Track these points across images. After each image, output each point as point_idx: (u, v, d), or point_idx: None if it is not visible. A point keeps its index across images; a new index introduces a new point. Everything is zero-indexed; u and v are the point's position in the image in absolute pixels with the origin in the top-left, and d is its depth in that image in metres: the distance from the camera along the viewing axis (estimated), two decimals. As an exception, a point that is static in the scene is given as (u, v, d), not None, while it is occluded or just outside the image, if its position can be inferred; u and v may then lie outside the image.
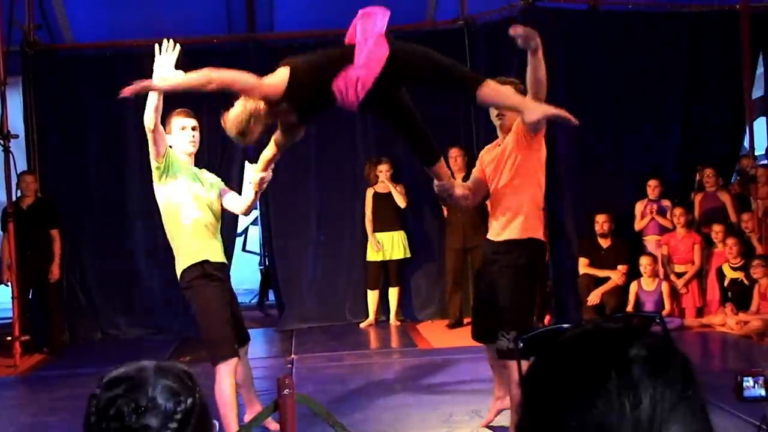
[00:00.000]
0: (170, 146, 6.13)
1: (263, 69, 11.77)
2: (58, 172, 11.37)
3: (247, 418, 6.34)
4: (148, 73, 11.46)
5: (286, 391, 4.67)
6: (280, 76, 5.56)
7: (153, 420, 1.58)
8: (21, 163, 10.52)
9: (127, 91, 5.27)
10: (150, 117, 5.81)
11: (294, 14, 12.07)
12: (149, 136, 5.90)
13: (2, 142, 9.91)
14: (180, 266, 6.10)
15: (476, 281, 6.75)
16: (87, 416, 1.63)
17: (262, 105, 5.48)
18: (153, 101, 5.83)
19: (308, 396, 5.28)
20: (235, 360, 6.06)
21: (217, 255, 6.17)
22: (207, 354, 6.23)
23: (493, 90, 5.54)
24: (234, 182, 11.51)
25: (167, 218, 6.15)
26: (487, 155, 6.40)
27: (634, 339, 1.27)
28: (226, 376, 6.00)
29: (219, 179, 6.55)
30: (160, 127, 5.94)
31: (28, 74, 11.23)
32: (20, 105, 11.12)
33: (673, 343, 1.33)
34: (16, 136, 10.18)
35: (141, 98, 11.33)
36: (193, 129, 6.27)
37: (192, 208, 6.11)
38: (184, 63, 11.75)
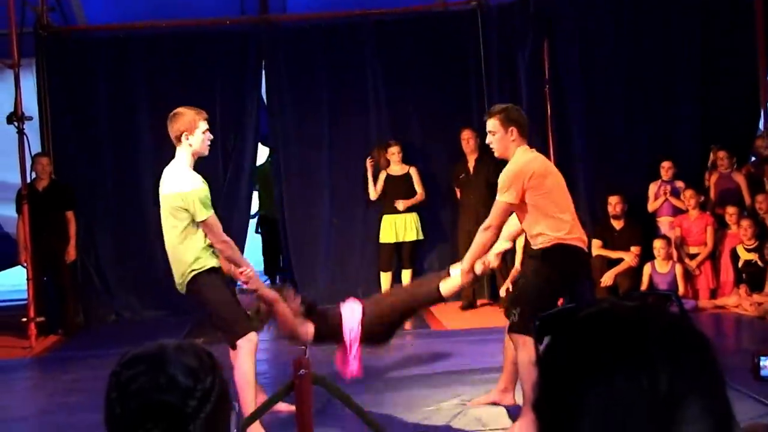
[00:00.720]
0: (190, 144, 6.11)
1: (276, 51, 11.89)
2: (71, 153, 11.41)
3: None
4: (159, 55, 11.54)
5: (302, 372, 4.67)
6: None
7: (172, 397, 1.59)
8: (35, 146, 10.53)
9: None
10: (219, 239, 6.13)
11: (306, -4, 12.05)
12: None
13: (17, 124, 9.92)
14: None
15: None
16: (107, 393, 1.64)
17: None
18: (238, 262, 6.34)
19: (324, 377, 5.28)
20: (253, 335, 6.12)
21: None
22: (225, 336, 6.26)
23: (448, 288, 6.62)
24: (245, 171, 11.55)
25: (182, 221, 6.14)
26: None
27: (650, 316, 1.27)
28: (246, 355, 6.05)
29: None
30: None
31: (41, 56, 11.24)
32: (33, 87, 11.13)
33: (689, 320, 1.33)
34: (30, 118, 10.18)
35: (152, 79, 11.42)
36: (209, 133, 6.25)
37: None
38: (196, 44, 11.84)
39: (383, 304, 6.87)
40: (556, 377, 1.26)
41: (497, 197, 6.11)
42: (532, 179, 6.00)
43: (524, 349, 6.01)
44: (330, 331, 6.61)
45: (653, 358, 1.22)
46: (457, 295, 11.29)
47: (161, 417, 1.59)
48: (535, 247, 6.21)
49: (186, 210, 6.01)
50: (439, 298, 6.76)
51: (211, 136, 6.25)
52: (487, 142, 6.39)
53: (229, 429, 1.67)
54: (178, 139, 6.13)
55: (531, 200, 6.03)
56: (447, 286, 6.53)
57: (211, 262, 6.14)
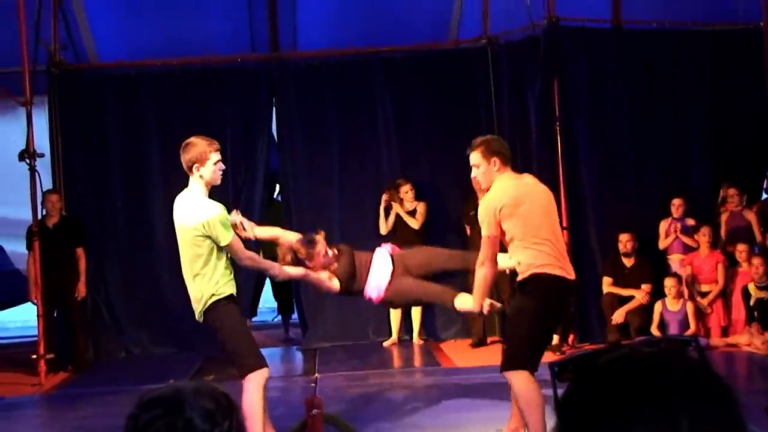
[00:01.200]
0: (201, 175, 6.14)
1: (287, 87, 11.92)
2: (82, 190, 11.45)
3: None
4: (171, 92, 11.57)
5: (314, 411, 4.66)
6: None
7: None
8: (46, 182, 10.57)
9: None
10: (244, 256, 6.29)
11: (317, 33, 12.11)
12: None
13: (28, 162, 9.96)
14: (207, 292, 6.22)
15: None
16: None
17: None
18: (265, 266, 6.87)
19: (337, 416, 5.25)
20: (265, 371, 6.13)
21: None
22: (236, 367, 6.28)
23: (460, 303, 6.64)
24: (256, 205, 11.55)
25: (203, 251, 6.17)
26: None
27: (671, 363, 1.27)
28: (255, 388, 6.05)
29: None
30: None
31: (53, 93, 11.31)
32: (45, 124, 11.18)
33: (711, 366, 1.32)
34: (42, 155, 10.22)
35: (163, 116, 11.47)
36: (221, 163, 6.28)
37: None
38: (207, 81, 11.89)
39: (405, 286, 6.89)
40: (576, 423, 1.25)
41: (482, 232, 6.13)
42: (504, 210, 6.00)
43: (516, 383, 6.01)
44: (354, 290, 6.95)
45: (674, 405, 1.21)
46: (467, 333, 11.32)
47: None
48: (517, 279, 6.23)
49: (208, 237, 6.06)
50: (451, 307, 6.79)
51: (223, 167, 6.27)
52: (472, 176, 6.39)
53: None
54: (190, 169, 6.16)
55: (509, 230, 6.04)
56: (461, 303, 6.53)
57: (229, 289, 6.19)
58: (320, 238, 6.90)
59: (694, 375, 1.26)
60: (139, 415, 1.64)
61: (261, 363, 6.19)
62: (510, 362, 6.05)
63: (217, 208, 6.11)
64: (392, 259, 6.91)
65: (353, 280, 6.91)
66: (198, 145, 6.17)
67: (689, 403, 1.22)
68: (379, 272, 6.83)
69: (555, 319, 6.69)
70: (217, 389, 1.72)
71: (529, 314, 6.08)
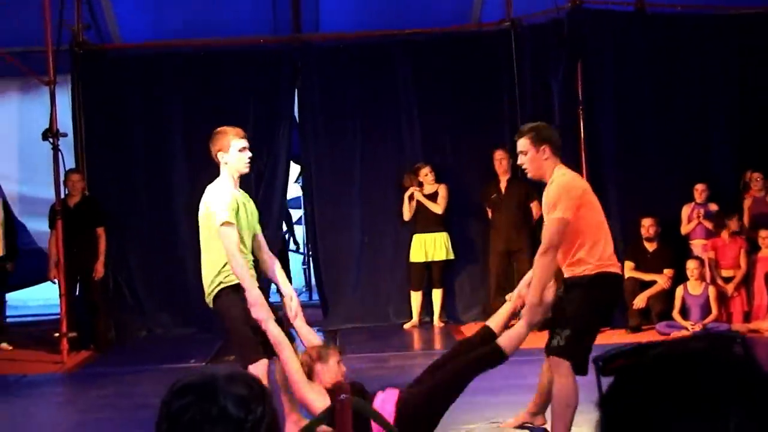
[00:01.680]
0: (226, 162, 6.19)
1: (309, 69, 11.93)
2: (104, 170, 11.48)
3: (288, 426, 6.30)
4: (193, 74, 11.60)
5: (342, 396, 4.63)
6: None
7: (224, 428, 1.59)
8: (69, 162, 10.61)
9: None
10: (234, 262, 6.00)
11: (339, 15, 12.10)
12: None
13: (51, 141, 10.00)
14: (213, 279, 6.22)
15: None
16: (158, 423, 1.63)
17: None
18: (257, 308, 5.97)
19: (364, 402, 5.23)
20: (264, 362, 6.10)
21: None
22: (237, 356, 6.36)
23: (509, 339, 5.98)
24: (278, 189, 11.55)
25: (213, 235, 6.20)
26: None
27: (719, 361, 1.25)
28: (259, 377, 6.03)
29: (256, 214, 6.55)
30: None
31: (76, 73, 11.33)
32: (68, 104, 11.21)
33: (758, 364, 1.31)
34: (65, 135, 10.27)
35: (185, 98, 11.50)
36: (248, 150, 6.30)
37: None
38: (229, 63, 11.90)
39: (428, 382, 5.94)
40: (622, 418, 1.24)
41: (548, 216, 5.77)
42: (585, 195, 5.82)
43: (563, 373, 5.81)
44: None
45: (722, 403, 1.20)
46: (488, 316, 11.27)
47: None
48: (574, 274, 5.88)
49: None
50: (500, 357, 5.97)
51: (250, 154, 6.30)
52: (518, 163, 6.16)
53: None
54: (217, 158, 6.24)
55: (578, 220, 5.74)
56: (509, 340, 5.91)
57: (235, 278, 6.16)
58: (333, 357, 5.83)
59: (743, 373, 1.25)
60: (171, 402, 1.65)
61: (258, 355, 6.08)
62: (567, 350, 5.77)
63: (226, 194, 6.11)
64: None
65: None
66: (221, 134, 6.28)
67: (738, 400, 1.21)
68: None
69: (608, 316, 6.61)
70: (249, 375, 1.72)
71: (597, 310, 5.93)
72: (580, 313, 5.85)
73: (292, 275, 13.89)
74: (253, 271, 6.25)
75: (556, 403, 5.92)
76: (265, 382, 5.99)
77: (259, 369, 6.06)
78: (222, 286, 6.16)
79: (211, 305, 6.31)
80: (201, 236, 6.31)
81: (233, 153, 6.22)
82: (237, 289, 6.14)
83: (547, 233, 5.74)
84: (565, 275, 5.98)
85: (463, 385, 5.90)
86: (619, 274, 6.04)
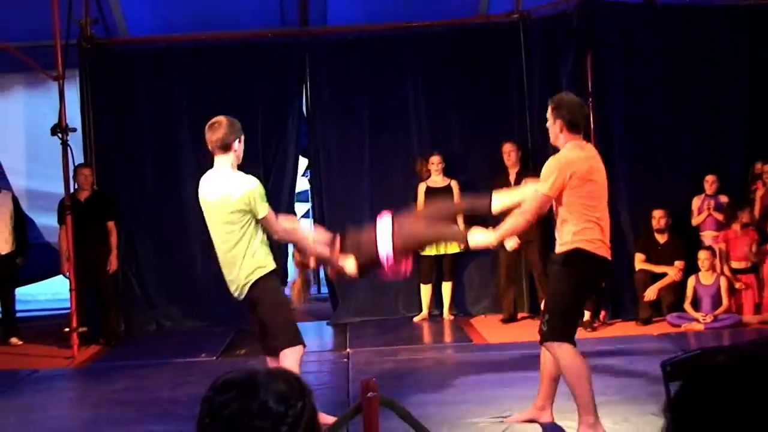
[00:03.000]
0: (235, 150, 6.31)
1: (317, 62, 11.90)
2: (113, 164, 11.47)
3: None
4: (201, 68, 11.58)
5: (370, 394, 4.60)
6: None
7: (264, 423, 1.61)
8: (78, 157, 10.61)
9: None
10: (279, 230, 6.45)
11: (347, 8, 12.08)
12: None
13: (60, 136, 9.99)
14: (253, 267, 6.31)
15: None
16: (200, 419, 1.66)
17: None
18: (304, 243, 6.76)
19: (394, 400, 5.20)
20: (301, 348, 6.26)
21: None
22: (273, 341, 6.39)
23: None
24: (287, 181, 11.56)
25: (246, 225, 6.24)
26: None
27: None
28: (291, 363, 6.14)
29: None
30: None
31: (84, 68, 11.32)
32: (77, 98, 11.21)
33: None
34: (74, 130, 10.26)
35: (193, 91, 11.49)
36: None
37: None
38: (237, 56, 11.88)
39: (413, 228, 6.88)
40: (691, 424, 1.22)
41: (537, 188, 6.07)
42: (573, 178, 5.95)
43: (562, 355, 6.00)
44: (370, 260, 6.73)
45: None
46: (497, 308, 11.30)
47: None
48: (557, 251, 6.15)
49: (248, 211, 6.16)
50: (464, 243, 6.70)
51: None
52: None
53: None
54: (218, 149, 6.22)
55: (568, 198, 5.98)
56: (475, 239, 6.39)
57: (271, 263, 6.34)
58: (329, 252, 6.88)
59: None
60: (213, 398, 1.68)
61: (298, 339, 6.33)
62: (553, 332, 6.02)
63: (256, 181, 6.24)
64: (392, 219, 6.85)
65: (365, 256, 6.85)
66: (233, 124, 6.29)
67: None
68: (382, 233, 6.76)
69: (588, 293, 6.78)
70: (290, 373, 1.75)
71: (573, 287, 6.09)
72: (552, 292, 6.24)
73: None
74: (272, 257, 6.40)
75: (569, 379, 6.04)
76: (296, 368, 6.09)
77: (296, 354, 6.25)
78: (259, 273, 6.25)
79: (241, 295, 6.36)
80: (219, 228, 6.30)
81: (242, 143, 6.33)
82: (273, 275, 6.31)
83: (530, 202, 6.09)
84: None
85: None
86: (600, 256, 6.06)
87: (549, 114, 6.17)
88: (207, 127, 6.31)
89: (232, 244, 6.23)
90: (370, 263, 6.81)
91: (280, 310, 6.38)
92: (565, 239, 6.06)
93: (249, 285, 6.26)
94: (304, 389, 1.68)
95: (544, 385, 6.51)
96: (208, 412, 1.65)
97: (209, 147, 6.32)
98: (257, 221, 6.22)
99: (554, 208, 6.17)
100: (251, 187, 6.16)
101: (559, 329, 6.00)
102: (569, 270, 6.07)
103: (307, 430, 1.63)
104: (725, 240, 10.61)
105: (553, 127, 6.14)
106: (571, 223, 6.01)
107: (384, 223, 6.75)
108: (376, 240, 6.66)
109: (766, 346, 1.27)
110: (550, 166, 6.03)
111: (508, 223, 6.22)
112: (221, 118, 6.32)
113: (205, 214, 6.44)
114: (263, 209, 6.18)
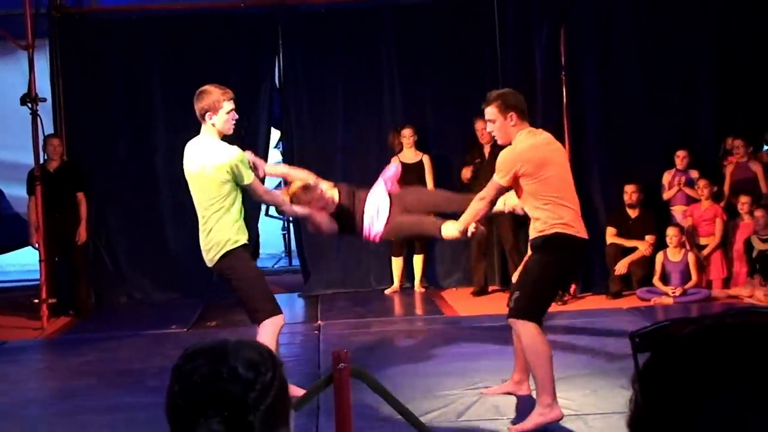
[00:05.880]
0: (213, 124, 6.24)
1: (291, 34, 11.81)
2: (84, 135, 11.37)
3: None
4: (174, 38, 11.47)
5: (341, 365, 4.59)
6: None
7: (234, 387, 1.62)
8: (48, 127, 10.52)
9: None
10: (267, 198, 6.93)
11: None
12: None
13: (30, 106, 9.90)
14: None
15: None
16: (170, 387, 1.66)
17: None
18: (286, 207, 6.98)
19: (364, 370, 5.21)
20: (281, 318, 6.32)
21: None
22: (250, 313, 6.40)
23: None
24: (259, 154, 11.51)
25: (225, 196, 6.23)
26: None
27: (762, 338, 1.24)
28: (270, 334, 6.16)
29: None
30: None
31: (54, 37, 11.20)
32: (47, 68, 11.09)
33: None
34: (44, 100, 10.17)
35: (166, 61, 11.39)
36: (235, 112, 6.32)
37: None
38: (211, 26, 11.77)
39: (404, 223, 7.06)
40: (662, 396, 1.23)
41: (494, 175, 6.09)
42: (525, 166, 5.91)
43: (525, 333, 6.00)
44: (353, 230, 7.16)
45: (764, 376, 1.19)
46: (468, 281, 11.34)
47: (223, 406, 1.61)
48: (533, 235, 6.14)
49: (229, 181, 6.15)
50: (438, 236, 6.88)
51: (236, 116, 6.34)
52: (488, 131, 6.38)
53: (288, 425, 1.68)
54: (202, 117, 6.21)
55: (527, 187, 5.97)
56: (447, 231, 6.58)
57: (244, 236, 6.33)
58: (318, 183, 7.05)
59: None
60: (183, 366, 1.69)
61: (276, 310, 6.33)
62: (521, 311, 6.02)
63: (238, 150, 6.25)
64: (390, 198, 6.96)
65: (352, 219, 7.03)
66: (212, 94, 6.23)
67: None
68: (378, 211, 6.87)
69: (568, 277, 6.91)
70: (260, 344, 1.76)
71: (548, 269, 6.07)
72: (527, 273, 6.24)
73: (271, 241, 13.92)
74: (245, 230, 6.39)
75: (531, 359, 6.06)
76: (275, 339, 6.11)
77: (274, 325, 6.26)
78: (231, 245, 6.23)
79: (213, 265, 6.36)
80: (200, 197, 6.29)
81: (221, 115, 6.22)
82: (244, 248, 6.32)
83: (488, 186, 6.17)
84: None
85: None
86: (575, 236, 6.06)
87: (495, 114, 6.01)
88: (195, 95, 6.31)
89: (210, 214, 6.23)
90: (355, 228, 7.02)
91: (253, 282, 6.36)
92: (540, 225, 6.03)
93: (220, 256, 6.25)
94: (275, 361, 1.69)
95: (520, 359, 6.53)
96: (178, 379, 1.66)
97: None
98: (238, 192, 6.21)
99: (517, 195, 6.16)
100: (234, 156, 6.15)
101: (527, 309, 6.02)
102: (548, 253, 6.05)
103: (277, 401, 1.63)
104: (692, 215, 10.67)
105: (505, 122, 5.99)
106: (540, 209, 6.01)
107: (382, 198, 6.92)
108: (366, 211, 6.90)
109: (735, 317, 1.28)
110: (503, 158, 5.99)
111: (468, 211, 6.32)
112: (206, 87, 6.32)
113: (188, 184, 6.42)
114: (249, 176, 6.20)
